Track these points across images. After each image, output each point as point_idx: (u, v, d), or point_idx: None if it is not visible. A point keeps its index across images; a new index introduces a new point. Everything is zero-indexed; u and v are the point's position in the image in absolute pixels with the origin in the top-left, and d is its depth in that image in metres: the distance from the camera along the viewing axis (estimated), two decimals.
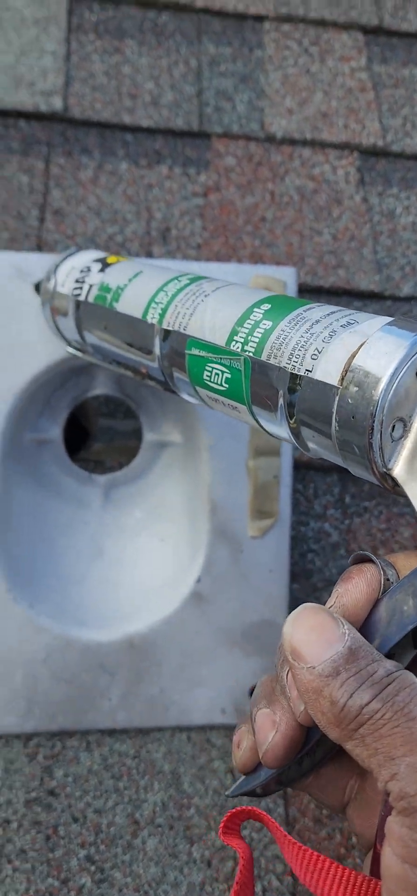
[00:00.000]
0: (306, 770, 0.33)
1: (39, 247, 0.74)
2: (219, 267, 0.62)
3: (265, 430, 0.34)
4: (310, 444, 0.31)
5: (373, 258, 0.80)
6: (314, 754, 0.32)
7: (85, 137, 0.81)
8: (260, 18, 0.90)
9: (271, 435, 0.34)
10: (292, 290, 0.62)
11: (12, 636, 0.58)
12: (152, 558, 0.64)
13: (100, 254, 0.50)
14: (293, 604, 0.67)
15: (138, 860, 0.58)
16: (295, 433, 0.31)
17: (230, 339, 0.34)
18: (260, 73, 0.87)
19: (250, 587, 0.61)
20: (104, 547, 0.64)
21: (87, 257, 0.50)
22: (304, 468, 0.71)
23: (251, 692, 0.61)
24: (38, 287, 0.58)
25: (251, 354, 0.32)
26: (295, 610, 0.30)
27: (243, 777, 0.35)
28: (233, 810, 0.34)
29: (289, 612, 0.65)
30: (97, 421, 0.70)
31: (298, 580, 0.68)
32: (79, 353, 0.53)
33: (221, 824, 0.35)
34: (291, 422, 0.31)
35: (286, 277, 0.61)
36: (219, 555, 0.60)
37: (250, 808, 0.34)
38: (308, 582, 0.68)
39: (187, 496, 0.63)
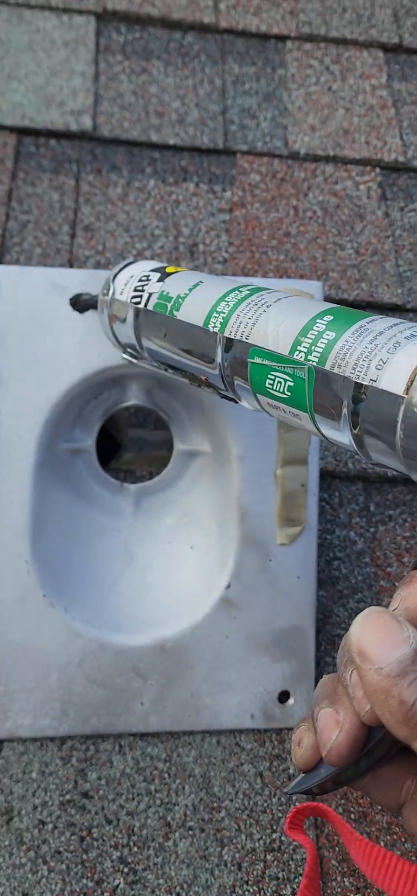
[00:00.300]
0: (363, 770, 0.33)
1: (70, 262, 0.76)
2: (248, 281, 0.64)
3: (325, 437, 0.35)
4: (373, 453, 0.32)
5: (396, 272, 0.82)
6: (372, 755, 0.33)
7: (113, 155, 0.83)
8: (282, 38, 0.92)
9: (331, 442, 0.35)
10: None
11: (48, 640, 0.59)
12: (183, 565, 0.65)
13: (158, 264, 0.52)
14: (320, 610, 0.68)
15: (170, 862, 0.59)
16: (359, 441, 0.32)
17: (293, 349, 0.35)
18: (283, 92, 0.89)
19: (279, 594, 0.62)
20: (136, 553, 0.65)
21: (146, 267, 0.52)
22: (329, 477, 0.73)
23: (280, 697, 0.63)
24: (73, 301, 0.60)
25: (315, 364, 0.33)
26: (361, 613, 0.31)
27: (302, 775, 0.35)
28: (299, 806, 0.35)
29: (317, 619, 0.66)
30: (127, 432, 0.71)
31: (324, 587, 0.69)
32: (133, 360, 0.55)
33: (287, 819, 0.36)
34: (355, 430, 0.32)
35: (313, 291, 0.63)
36: (248, 562, 0.62)
37: (315, 804, 0.35)
38: (334, 589, 0.69)
39: (216, 504, 0.65)
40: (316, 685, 0.64)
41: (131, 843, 0.59)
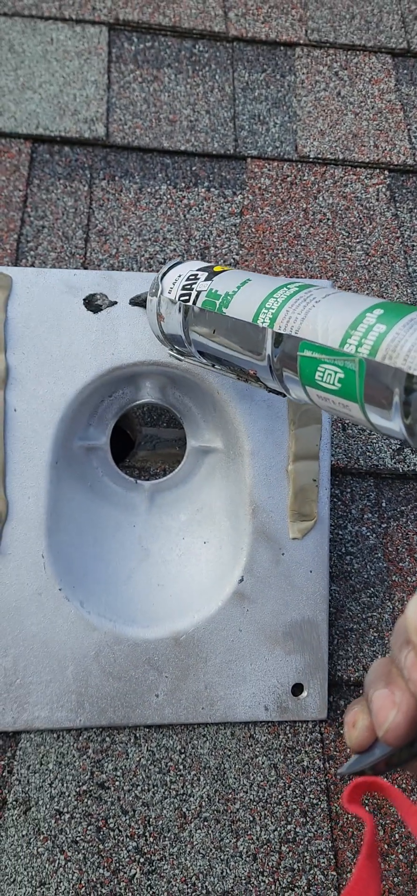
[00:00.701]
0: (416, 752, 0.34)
1: (84, 266, 0.78)
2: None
3: (375, 427, 0.36)
4: None
5: (405, 272, 0.83)
6: None
7: (126, 161, 0.84)
8: (291, 45, 0.93)
9: (380, 432, 0.36)
10: None
11: (64, 633, 0.60)
12: (196, 559, 0.66)
13: (205, 263, 0.53)
14: (333, 605, 0.69)
15: (185, 853, 0.59)
16: (411, 431, 0.33)
17: (343, 342, 0.36)
18: (292, 98, 0.90)
19: (291, 587, 0.63)
20: (150, 549, 0.66)
21: (193, 266, 0.53)
22: (341, 473, 0.73)
23: (293, 690, 0.63)
24: (87, 301, 0.61)
25: (365, 356, 0.34)
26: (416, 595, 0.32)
27: (354, 757, 0.36)
28: (357, 780, 0.35)
29: (330, 613, 0.67)
30: (141, 430, 0.73)
31: (337, 581, 0.69)
32: (180, 358, 0.56)
33: (346, 793, 0.36)
34: (407, 420, 0.33)
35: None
36: (261, 556, 0.62)
37: (373, 778, 0.35)
38: (346, 583, 0.70)
39: (229, 500, 0.65)
40: (328, 679, 0.65)
41: (147, 834, 0.60)
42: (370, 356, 0.34)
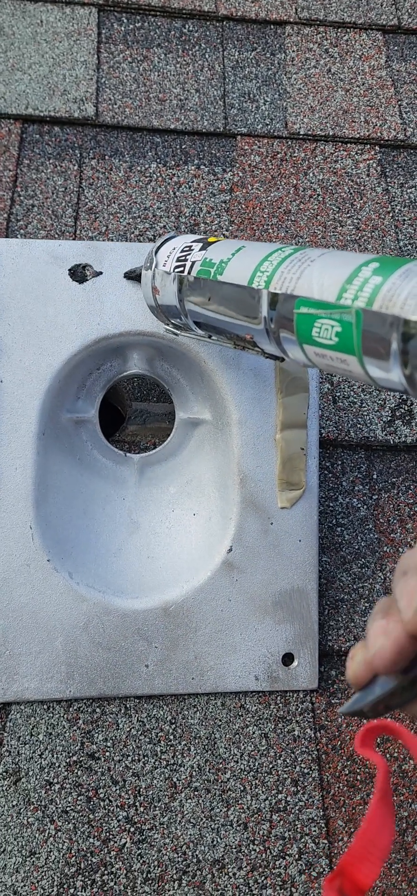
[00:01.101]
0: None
1: None
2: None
3: (374, 381, 0.36)
4: None
5: (396, 245, 0.82)
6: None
7: (116, 141, 0.84)
8: (281, 23, 0.93)
9: (380, 386, 0.36)
10: None
11: (53, 604, 0.60)
12: (186, 531, 0.66)
13: (199, 236, 0.54)
14: (324, 576, 0.68)
15: (176, 822, 0.59)
16: (411, 380, 0.33)
17: (339, 296, 0.36)
18: (282, 75, 0.90)
19: (280, 556, 0.63)
20: (140, 521, 0.66)
21: (188, 239, 0.54)
22: (332, 446, 0.73)
23: (284, 660, 0.63)
24: (72, 272, 0.61)
25: (362, 307, 0.34)
26: None
27: (356, 695, 0.36)
28: (369, 724, 0.36)
29: (320, 584, 0.67)
30: (131, 405, 0.72)
31: (327, 553, 0.69)
32: (177, 333, 0.57)
33: (358, 737, 0.36)
34: (406, 370, 0.33)
35: None
36: (250, 526, 0.62)
37: (385, 721, 0.35)
38: (337, 555, 0.69)
39: (218, 471, 0.65)
40: (320, 649, 0.65)
41: (137, 804, 0.60)
42: (367, 307, 0.34)
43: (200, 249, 0.50)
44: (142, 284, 0.57)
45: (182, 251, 0.52)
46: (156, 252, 0.55)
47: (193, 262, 0.50)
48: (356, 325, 0.34)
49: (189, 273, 0.49)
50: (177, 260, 0.52)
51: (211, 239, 0.51)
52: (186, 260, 0.51)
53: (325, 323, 0.37)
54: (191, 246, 0.52)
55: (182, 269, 0.51)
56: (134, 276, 0.62)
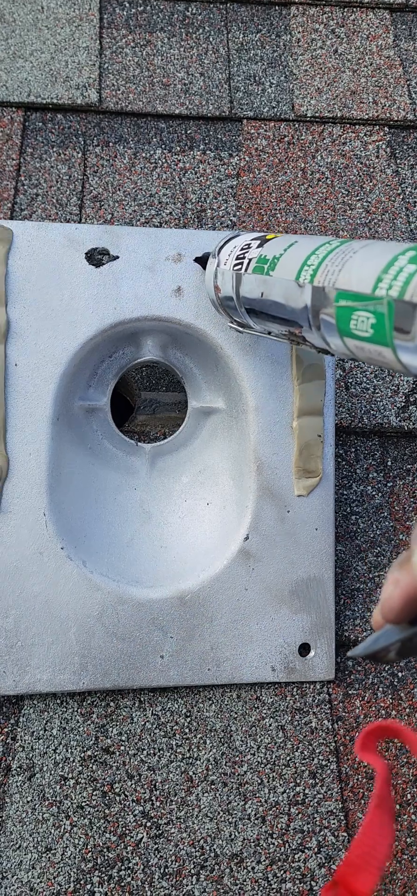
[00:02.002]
0: None
1: None
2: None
3: (410, 371, 0.35)
4: None
5: (407, 228, 0.81)
6: None
7: (120, 127, 0.83)
8: (286, 4, 0.91)
9: (410, 372, 0.35)
10: None
11: (66, 593, 0.59)
12: (200, 521, 0.65)
13: (260, 233, 0.54)
14: (339, 565, 0.67)
15: (193, 816, 0.58)
16: None
17: (375, 287, 0.35)
18: (288, 57, 0.89)
19: (297, 545, 0.61)
20: (152, 511, 0.65)
21: (248, 237, 0.54)
22: (345, 433, 0.72)
23: (300, 650, 0.62)
24: (89, 256, 0.60)
25: (395, 297, 0.33)
26: None
27: (368, 640, 0.36)
28: (369, 727, 0.35)
29: (336, 573, 0.66)
30: (140, 394, 0.71)
31: (342, 541, 0.68)
32: (240, 330, 0.57)
33: (359, 741, 0.36)
34: None
35: None
36: (266, 514, 0.61)
37: (386, 723, 0.35)
38: (352, 543, 0.68)
39: (232, 459, 0.64)
40: (335, 639, 0.64)
41: (153, 798, 0.59)
42: (399, 297, 0.33)
43: (258, 247, 0.51)
44: (205, 281, 0.58)
45: (241, 249, 0.53)
46: (219, 252, 0.56)
47: (250, 260, 0.50)
48: (388, 316, 0.34)
49: (246, 270, 0.50)
50: (237, 258, 0.52)
51: (270, 236, 0.52)
52: (244, 258, 0.51)
53: (362, 315, 0.36)
54: (249, 244, 0.52)
55: (240, 266, 0.51)
56: (202, 259, 0.62)
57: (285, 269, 0.45)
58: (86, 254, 0.60)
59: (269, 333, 0.52)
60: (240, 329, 0.57)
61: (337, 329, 0.39)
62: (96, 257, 0.60)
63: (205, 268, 0.61)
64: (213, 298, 0.57)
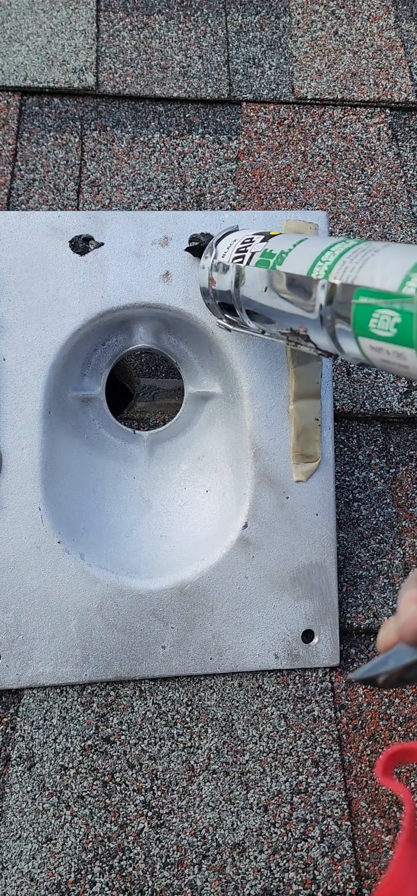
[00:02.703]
0: None
1: None
2: (251, 214, 0.63)
3: None
4: None
5: (409, 211, 0.80)
6: None
7: (117, 111, 0.82)
8: None
9: None
10: (324, 233, 0.62)
11: (65, 586, 0.58)
12: (199, 508, 0.64)
13: (261, 230, 0.53)
14: (341, 552, 0.66)
15: (194, 805, 0.58)
16: None
17: (402, 285, 0.34)
18: (288, 39, 0.88)
19: (297, 531, 0.61)
20: (151, 500, 0.64)
21: (249, 232, 0.53)
22: (347, 419, 0.71)
23: (304, 637, 0.61)
24: (73, 244, 0.59)
25: None
26: None
27: (370, 664, 0.35)
28: (390, 751, 0.34)
29: (338, 560, 0.65)
30: (139, 381, 0.70)
31: (345, 528, 0.67)
32: (229, 328, 0.56)
33: (380, 765, 0.34)
34: None
35: (317, 220, 0.61)
36: (265, 500, 0.60)
37: (408, 746, 0.34)
38: (355, 530, 0.68)
39: (230, 445, 0.63)
40: (339, 626, 0.63)
41: (155, 788, 0.58)
42: None
43: (261, 241, 0.50)
44: (198, 274, 0.57)
45: (242, 243, 0.52)
46: (217, 244, 0.55)
47: (253, 253, 0.49)
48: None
49: (248, 264, 0.49)
50: (237, 251, 0.51)
51: (274, 233, 0.51)
52: (246, 251, 0.50)
53: (384, 314, 0.35)
54: (252, 238, 0.51)
55: (241, 259, 0.50)
56: (193, 248, 0.61)
57: (295, 264, 0.43)
58: (70, 242, 0.59)
59: (263, 332, 0.50)
60: (229, 327, 0.56)
61: (353, 328, 0.38)
62: (81, 245, 0.59)
63: (197, 257, 0.60)
64: (207, 292, 0.55)
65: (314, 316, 0.41)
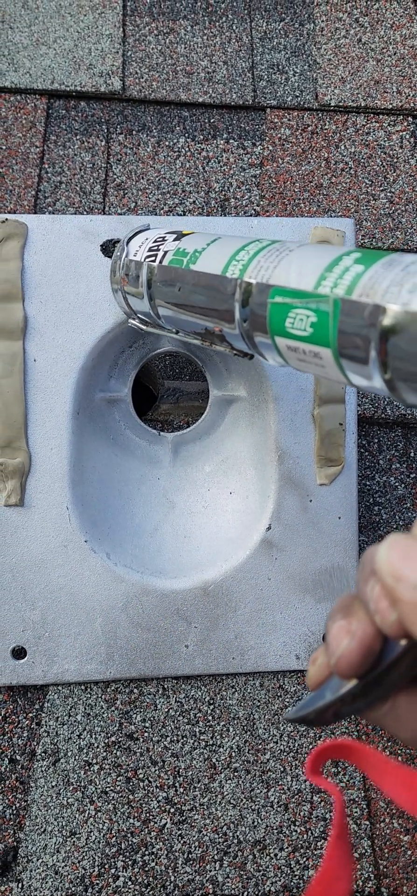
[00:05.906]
0: (371, 700, 0.32)
1: None
2: (278, 221, 0.63)
3: (346, 375, 0.33)
4: (406, 395, 0.30)
5: None
6: (379, 685, 0.31)
7: (143, 115, 0.83)
8: None
9: (350, 382, 0.33)
10: (350, 241, 0.63)
11: (91, 585, 0.59)
12: (223, 510, 0.65)
13: (174, 228, 0.52)
14: (361, 555, 0.67)
15: (216, 803, 0.59)
16: (391, 385, 0.30)
17: (318, 284, 0.34)
18: (312, 46, 0.88)
19: (320, 534, 0.61)
20: (176, 501, 0.65)
21: (161, 231, 0.52)
22: (368, 423, 0.72)
23: (325, 638, 0.62)
24: (104, 247, 0.60)
25: (341, 296, 0.32)
26: (387, 538, 0.30)
27: (304, 700, 0.34)
28: (319, 747, 0.33)
29: (359, 559, 0.66)
30: (163, 383, 0.71)
31: (365, 532, 0.68)
32: (143, 328, 0.55)
33: (309, 763, 0.33)
34: (386, 375, 0.30)
35: (344, 227, 0.62)
36: (289, 503, 0.61)
37: (338, 742, 0.33)
38: (375, 534, 0.68)
39: (255, 448, 0.64)
40: None
41: (177, 784, 0.59)
42: (345, 295, 0.32)
43: (174, 240, 0.49)
44: (110, 274, 0.56)
45: (154, 241, 0.51)
46: (128, 242, 0.54)
47: (165, 252, 0.48)
48: (333, 314, 0.32)
49: (161, 262, 0.48)
50: (149, 250, 0.50)
51: (186, 231, 0.50)
52: (159, 250, 0.49)
53: (300, 313, 0.35)
54: (164, 237, 0.50)
55: (153, 258, 0.49)
56: (106, 249, 0.60)
57: (209, 263, 0.43)
58: (101, 245, 0.60)
59: (177, 333, 0.50)
60: (143, 327, 0.55)
61: (269, 326, 0.37)
62: (111, 249, 0.60)
63: (108, 257, 0.60)
64: (119, 291, 0.55)
65: (229, 315, 0.41)
